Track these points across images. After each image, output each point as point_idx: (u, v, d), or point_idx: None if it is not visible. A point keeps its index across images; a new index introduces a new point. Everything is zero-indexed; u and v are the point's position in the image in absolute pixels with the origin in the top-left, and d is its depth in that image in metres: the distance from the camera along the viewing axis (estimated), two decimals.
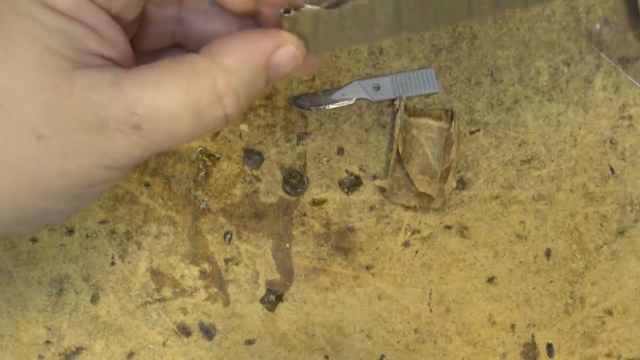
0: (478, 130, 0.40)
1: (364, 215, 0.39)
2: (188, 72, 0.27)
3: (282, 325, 0.39)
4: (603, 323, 0.39)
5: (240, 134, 0.39)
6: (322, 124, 0.39)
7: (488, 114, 0.40)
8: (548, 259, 0.39)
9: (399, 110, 0.39)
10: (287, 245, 0.39)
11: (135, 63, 0.29)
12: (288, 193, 0.39)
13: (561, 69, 0.41)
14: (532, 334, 0.39)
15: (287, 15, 0.28)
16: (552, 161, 0.40)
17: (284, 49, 0.28)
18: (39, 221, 0.29)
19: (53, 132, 0.26)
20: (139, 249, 0.39)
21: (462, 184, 0.39)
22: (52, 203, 0.28)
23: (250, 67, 0.28)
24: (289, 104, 0.39)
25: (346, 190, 0.39)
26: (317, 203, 0.39)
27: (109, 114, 0.26)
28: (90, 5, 0.26)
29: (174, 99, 0.27)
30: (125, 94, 0.27)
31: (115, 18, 0.28)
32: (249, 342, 0.39)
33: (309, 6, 0.28)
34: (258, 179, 0.39)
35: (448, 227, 0.39)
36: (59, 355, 0.39)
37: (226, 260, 0.39)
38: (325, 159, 0.40)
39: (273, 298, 0.39)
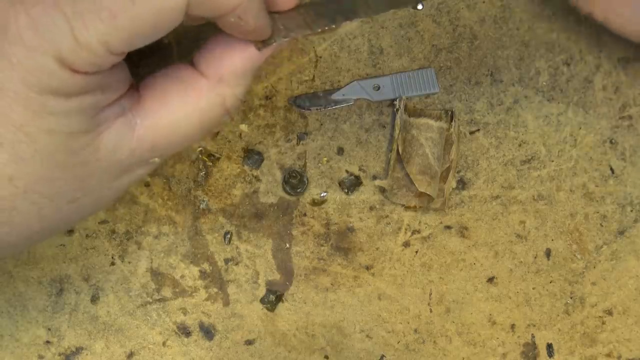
0: (478, 130, 0.40)
1: (364, 215, 0.39)
2: (198, 102, 0.29)
3: (282, 325, 0.39)
4: (603, 323, 0.39)
5: (240, 134, 0.39)
6: (322, 124, 0.39)
7: (488, 114, 0.40)
8: (548, 259, 0.39)
9: (399, 110, 0.39)
10: (287, 245, 0.39)
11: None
12: (288, 193, 0.39)
13: (561, 69, 0.40)
14: (532, 334, 0.39)
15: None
16: (552, 161, 0.40)
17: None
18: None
19: (84, 194, 0.29)
20: (139, 249, 0.39)
21: (462, 184, 0.39)
22: (57, 231, 0.31)
23: (249, 74, 0.30)
24: (289, 104, 0.39)
25: (346, 190, 0.39)
26: (317, 203, 0.39)
27: (131, 161, 0.29)
28: (95, 76, 0.27)
29: (189, 130, 0.29)
30: (144, 143, 0.29)
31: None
32: (249, 342, 0.39)
33: None
34: (258, 179, 0.39)
35: (448, 227, 0.39)
36: (59, 355, 0.39)
37: (226, 260, 0.39)
38: (325, 159, 0.40)
39: (273, 298, 0.39)
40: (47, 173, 0.27)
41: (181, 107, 0.29)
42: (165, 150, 0.30)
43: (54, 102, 0.26)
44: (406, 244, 0.39)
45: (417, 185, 0.38)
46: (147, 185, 0.39)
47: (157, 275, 0.39)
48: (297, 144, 0.39)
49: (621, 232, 0.39)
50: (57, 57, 0.25)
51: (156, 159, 0.30)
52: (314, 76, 0.39)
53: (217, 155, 0.39)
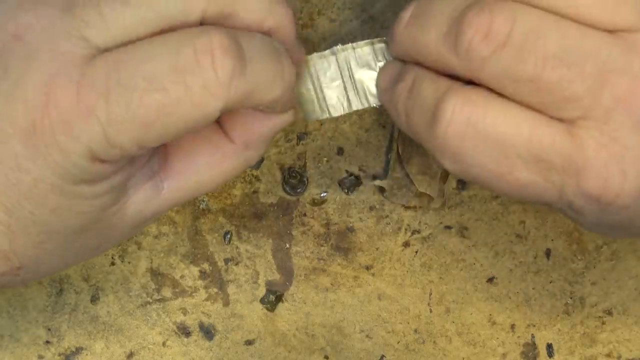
0: None
1: (364, 215, 0.39)
2: (224, 165, 0.30)
3: (282, 325, 0.39)
4: (603, 323, 0.39)
5: None
6: (322, 124, 0.40)
7: None
8: (548, 259, 0.39)
9: None
10: (287, 245, 0.39)
11: None
12: (288, 193, 0.39)
13: None
14: (532, 334, 0.39)
15: None
16: None
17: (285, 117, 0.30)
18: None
19: (105, 243, 0.31)
20: (139, 249, 0.39)
21: (462, 184, 0.39)
22: None
23: (267, 140, 0.31)
24: None
25: (346, 190, 0.39)
26: (317, 203, 0.39)
27: (154, 216, 0.31)
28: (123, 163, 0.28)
29: (211, 187, 0.31)
30: (168, 202, 0.30)
31: None
32: (249, 342, 0.39)
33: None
34: (258, 179, 0.39)
35: (448, 227, 0.39)
36: (59, 355, 0.39)
37: (226, 260, 0.39)
38: (325, 159, 0.40)
39: (273, 298, 0.39)
40: (76, 240, 0.29)
41: (207, 169, 0.30)
42: (183, 202, 0.31)
43: (87, 189, 0.27)
44: (406, 244, 0.39)
45: (417, 185, 0.38)
46: None
47: (157, 275, 0.39)
48: (297, 144, 0.39)
49: None
50: (89, 157, 0.26)
51: None
52: None
53: None
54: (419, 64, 0.28)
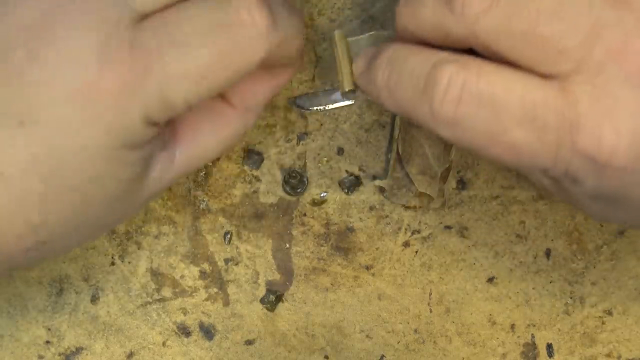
0: None
1: (364, 215, 0.39)
2: (227, 130, 0.32)
3: (282, 325, 0.39)
4: (603, 323, 0.39)
5: None
6: (322, 124, 0.40)
7: None
8: (548, 259, 0.39)
9: None
10: (287, 245, 0.39)
11: None
12: (288, 193, 0.39)
13: None
14: (532, 334, 0.39)
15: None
16: None
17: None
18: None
19: (126, 215, 0.33)
20: (139, 249, 0.39)
21: (462, 184, 0.39)
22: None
23: (266, 102, 0.33)
24: (289, 104, 0.39)
25: (346, 190, 0.39)
26: (317, 203, 0.39)
27: (168, 185, 0.32)
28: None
29: (216, 154, 0.32)
30: (180, 170, 0.32)
31: None
32: (249, 342, 0.39)
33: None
34: (258, 179, 0.39)
35: (448, 227, 0.39)
36: (59, 355, 0.39)
37: (226, 260, 0.39)
38: (325, 159, 0.40)
39: (273, 298, 0.39)
40: (105, 211, 0.29)
41: (212, 136, 0.31)
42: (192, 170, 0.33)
43: (129, 155, 0.28)
44: (406, 244, 0.39)
45: (417, 185, 0.38)
46: None
47: (157, 275, 0.39)
48: (297, 144, 0.39)
49: (621, 232, 0.39)
50: (143, 118, 0.27)
51: None
52: (314, 76, 0.39)
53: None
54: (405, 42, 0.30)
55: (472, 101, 0.26)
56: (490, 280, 0.39)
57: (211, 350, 0.39)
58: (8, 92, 0.26)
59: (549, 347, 0.39)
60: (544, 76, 0.26)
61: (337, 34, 0.33)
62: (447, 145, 0.39)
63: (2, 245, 0.28)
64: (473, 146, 0.27)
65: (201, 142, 0.31)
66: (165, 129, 0.30)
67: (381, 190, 0.39)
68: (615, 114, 0.26)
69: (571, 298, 0.39)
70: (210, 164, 0.39)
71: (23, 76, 0.26)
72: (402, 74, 0.28)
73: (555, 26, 0.25)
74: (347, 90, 0.33)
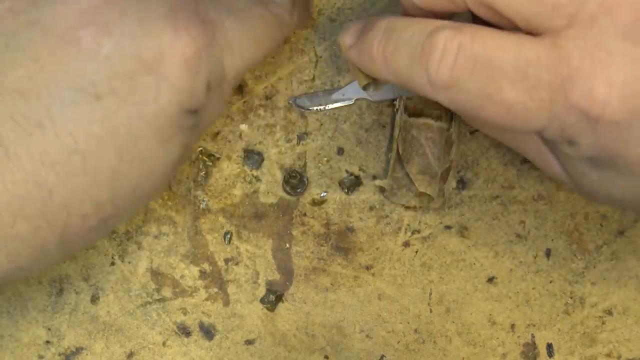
0: (478, 130, 0.40)
1: (364, 215, 0.39)
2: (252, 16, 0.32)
3: (282, 325, 0.39)
4: (603, 323, 0.39)
5: (240, 134, 0.39)
6: (322, 124, 0.40)
7: None
8: (548, 259, 0.39)
9: (399, 110, 0.39)
10: (287, 245, 0.39)
11: None
12: (288, 193, 0.39)
13: None
14: (532, 334, 0.39)
15: None
16: None
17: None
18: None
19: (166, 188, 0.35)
20: (139, 249, 0.39)
21: (462, 184, 0.39)
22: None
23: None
24: (289, 104, 0.39)
25: (346, 190, 0.39)
26: (317, 203, 0.39)
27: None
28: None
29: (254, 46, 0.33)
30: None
31: None
32: (249, 342, 0.39)
33: None
34: (258, 179, 0.39)
35: (448, 227, 0.39)
36: (59, 355, 0.39)
37: (226, 260, 0.39)
38: (325, 159, 0.40)
39: (273, 298, 0.39)
40: (162, 179, 0.30)
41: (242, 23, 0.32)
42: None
43: (191, 119, 0.29)
44: (406, 244, 0.39)
45: (417, 185, 0.38)
46: None
47: (157, 275, 0.39)
48: (297, 144, 0.39)
49: (621, 232, 0.39)
50: (207, 81, 0.28)
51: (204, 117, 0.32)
52: (314, 76, 0.39)
53: (217, 155, 0.39)
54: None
55: (466, 63, 0.27)
56: (490, 280, 0.39)
57: (211, 350, 0.39)
58: (82, 69, 0.27)
59: (549, 347, 0.39)
60: (537, 34, 0.27)
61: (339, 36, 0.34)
62: (447, 145, 0.39)
63: (66, 227, 0.28)
64: (468, 109, 0.28)
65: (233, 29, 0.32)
66: None
67: (381, 190, 0.39)
68: (607, 66, 0.26)
69: (571, 298, 0.39)
70: (210, 163, 0.39)
71: (97, 52, 0.27)
72: (399, 43, 0.29)
73: None
74: (365, 83, 0.34)
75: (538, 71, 0.26)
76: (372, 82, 0.34)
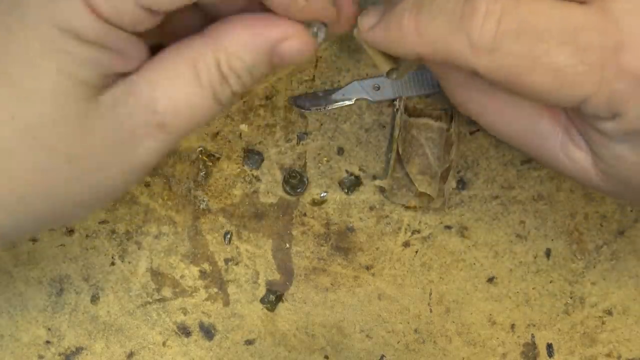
0: (478, 130, 0.40)
1: (364, 215, 0.39)
2: (195, 57, 0.27)
3: (282, 325, 0.39)
4: (603, 323, 0.39)
5: (240, 134, 0.39)
6: (322, 124, 0.40)
7: None
8: (548, 259, 0.39)
9: (399, 110, 0.39)
10: (287, 245, 0.39)
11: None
12: (288, 193, 0.39)
13: None
14: (532, 334, 0.39)
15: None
16: None
17: (290, 43, 0.28)
18: (55, 225, 0.31)
19: (83, 154, 0.27)
20: (139, 249, 0.39)
21: (462, 184, 0.39)
22: (77, 211, 0.29)
23: (252, 52, 0.28)
24: (289, 104, 0.39)
25: (346, 190, 0.39)
26: (317, 203, 0.39)
27: (134, 122, 0.27)
28: (117, 32, 0.26)
29: (188, 87, 0.27)
30: (143, 96, 0.27)
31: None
32: (249, 342, 0.39)
33: None
34: (258, 179, 0.39)
35: (448, 227, 0.39)
36: (59, 355, 0.39)
37: (226, 260, 0.39)
38: (325, 159, 0.40)
39: (273, 298, 0.39)
40: (46, 115, 0.26)
41: (176, 62, 0.28)
42: (168, 113, 0.28)
43: (72, 43, 0.26)
44: (406, 244, 0.39)
45: (417, 185, 0.38)
46: (147, 185, 0.39)
47: (157, 275, 0.39)
48: (297, 144, 0.39)
49: (621, 232, 0.39)
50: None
51: (163, 134, 0.28)
52: (314, 76, 0.39)
53: (217, 155, 0.39)
54: None
55: (511, 25, 0.26)
56: (490, 280, 0.39)
57: (211, 350, 0.39)
58: None
59: (549, 347, 0.39)
60: (582, 1, 0.26)
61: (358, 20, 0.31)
62: (447, 145, 0.39)
63: None
64: (513, 75, 0.26)
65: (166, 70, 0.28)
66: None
67: (381, 190, 0.39)
68: None
69: (571, 298, 0.39)
70: (210, 163, 0.39)
71: None
72: (433, 12, 0.27)
73: None
74: (388, 69, 0.31)
75: (587, 35, 0.25)
76: (396, 67, 0.32)
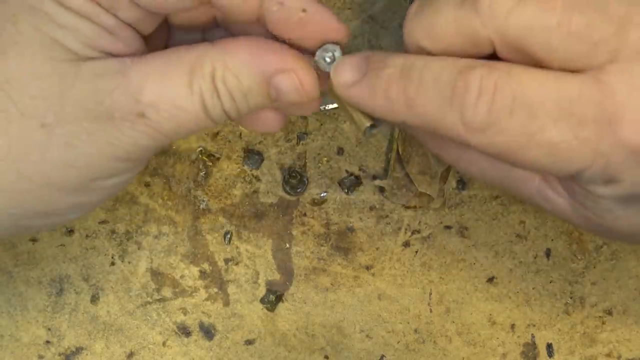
0: None
1: (364, 215, 0.39)
2: (193, 61, 0.27)
3: (282, 325, 0.39)
4: (603, 323, 0.39)
5: (240, 134, 0.39)
6: (322, 124, 0.40)
7: None
8: (548, 259, 0.39)
9: None
10: (287, 245, 0.39)
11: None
12: (288, 193, 0.39)
13: None
14: (532, 334, 0.39)
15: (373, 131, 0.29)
16: None
17: (286, 76, 0.28)
18: (46, 218, 0.29)
19: (57, 120, 0.26)
20: (139, 249, 0.39)
21: (462, 184, 0.39)
22: (58, 195, 0.28)
23: (248, 74, 0.27)
24: None
25: (346, 190, 0.39)
26: (317, 203, 0.39)
27: (113, 101, 0.27)
28: (100, 9, 0.26)
29: (177, 88, 0.27)
30: (130, 81, 0.27)
31: (131, 27, 0.28)
32: (249, 342, 0.39)
33: None
34: (258, 179, 0.39)
35: (448, 227, 0.39)
36: (59, 355, 0.39)
37: (226, 260, 0.39)
38: (325, 159, 0.40)
39: (273, 298, 0.39)
40: (22, 69, 0.26)
41: (175, 60, 0.28)
42: (151, 106, 0.27)
43: (50, 4, 0.26)
44: (406, 244, 0.39)
45: (417, 185, 0.38)
46: (147, 185, 0.39)
47: (157, 275, 0.39)
48: (297, 144, 0.39)
49: None
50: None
51: (147, 125, 0.28)
52: None
53: (217, 155, 0.39)
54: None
55: (505, 102, 0.25)
56: (490, 280, 0.39)
57: (211, 350, 0.39)
58: None
59: (549, 347, 0.39)
60: (576, 71, 0.25)
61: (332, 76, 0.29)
62: None
63: None
64: (507, 151, 0.26)
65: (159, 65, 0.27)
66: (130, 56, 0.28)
67: (381, 190, 0.39)
68: None
69: (571, 298, 0.39)
70: (210, 163, 0.39)
71: None
72: (423, 84, 0.26)
73: (590, 15, 0.24)
74: (368, 125, 0.28)
75: (583, 108, 0.24)
76: (376, 124, 0.29)
